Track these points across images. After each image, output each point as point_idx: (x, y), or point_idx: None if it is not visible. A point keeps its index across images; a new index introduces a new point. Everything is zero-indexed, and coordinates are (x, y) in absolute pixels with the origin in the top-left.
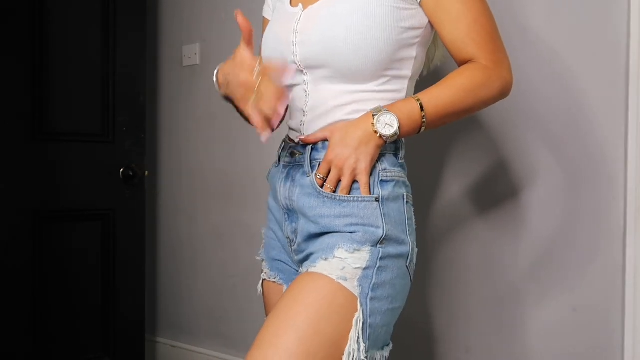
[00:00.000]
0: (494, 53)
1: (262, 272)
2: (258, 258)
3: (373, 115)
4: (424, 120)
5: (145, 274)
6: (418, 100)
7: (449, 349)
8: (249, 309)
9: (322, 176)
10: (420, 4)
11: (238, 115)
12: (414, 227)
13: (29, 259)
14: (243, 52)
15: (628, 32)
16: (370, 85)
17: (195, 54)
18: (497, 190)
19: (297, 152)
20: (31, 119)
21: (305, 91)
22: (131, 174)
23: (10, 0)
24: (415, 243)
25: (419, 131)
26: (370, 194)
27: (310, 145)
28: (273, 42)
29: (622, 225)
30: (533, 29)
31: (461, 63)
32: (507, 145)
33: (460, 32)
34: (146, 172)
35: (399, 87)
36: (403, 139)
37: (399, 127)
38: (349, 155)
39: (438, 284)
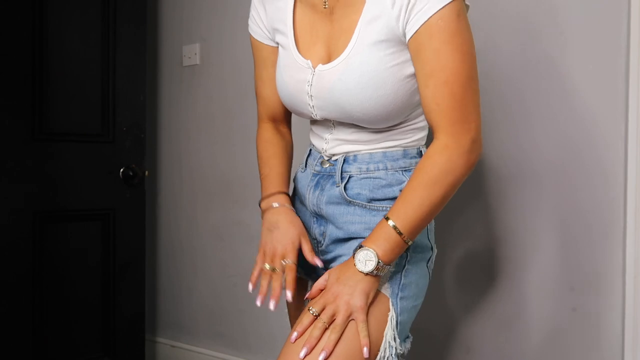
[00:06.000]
0: (456, 124)
1: None
2: None
3: (353, 256)
4: (405, 237)
5: (145, 274)
6: (388, 219)
7: (450, 349)
8: (249, 309)
9: (316, 311)
10: (407, 45)
11: (237, 115)
12: (434, 230)
13: (29, 259)
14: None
15: (628, 32)
16: (393, 126)
17: (195, 54)
18: (499, 189)
19: (327, 163)
20: (31, 119)
21: (331, 126)
22: (131, 174)
23: (10, 0)
24: (435, 245)
25: (408, 244)
26: (367, 334)
27: (342, 157)
28: (289, 98)
29: (622, 225)
30: (533, 29)
31: (429, 122)
32: (507, 144)
33: (428, 92)
34: (146, 172)
35: (422, 119)
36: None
37: (378, 259)
38: (344, 292)
39: (439, 284)
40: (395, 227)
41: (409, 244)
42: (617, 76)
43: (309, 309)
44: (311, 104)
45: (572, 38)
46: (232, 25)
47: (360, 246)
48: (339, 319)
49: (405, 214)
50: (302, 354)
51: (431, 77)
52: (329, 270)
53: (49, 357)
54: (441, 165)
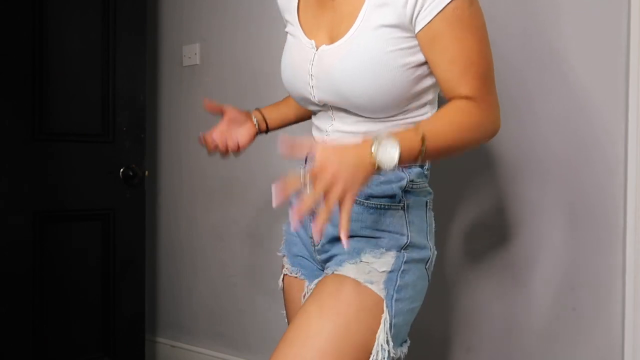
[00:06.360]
0: (488, 96)
1: (282, 267)
2: (279, 254)
3: (373, 144)
4: (422, 155)
5: (145, 274)
6: (419, 131)
7: (450, 348)
8: (249, 309)
9: (306, 182)
10: (416, 36)
11: None
12: (434, 231)
13: (29, 259)
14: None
15: (628, 32)
16: (393, 117)
17: (195, 54)
18: (497, 189)
19: None
20: (31, 119)
21: (331, 116)
22: (131, 174)
23: (11, 0)
24: (434, 247)
25: (417, 163)
26: (348, 227)
27: None
28: (291, 78)
29: (622, 225)
30: (534, 29)
31: (451, 99)
32: (508, 141)
33: (455, 74)
34: (146, 172)
35: (423, 112)
36: None
37: (399, 159)
38: (345, 177)
39: (439, 283)
40: (422, 140)
41: (418, 164)
42: (617, 76)
43: (300, 179)
44: (311, 84)
45: (572, 37)
46: (232, 25)
47: (382, 139)
48: (332, 198)
49: (435, 141)
50: (274, 203)
51: (454, 62)
52: (322, 145)
53: (49, 357)
54: (479, 120)
